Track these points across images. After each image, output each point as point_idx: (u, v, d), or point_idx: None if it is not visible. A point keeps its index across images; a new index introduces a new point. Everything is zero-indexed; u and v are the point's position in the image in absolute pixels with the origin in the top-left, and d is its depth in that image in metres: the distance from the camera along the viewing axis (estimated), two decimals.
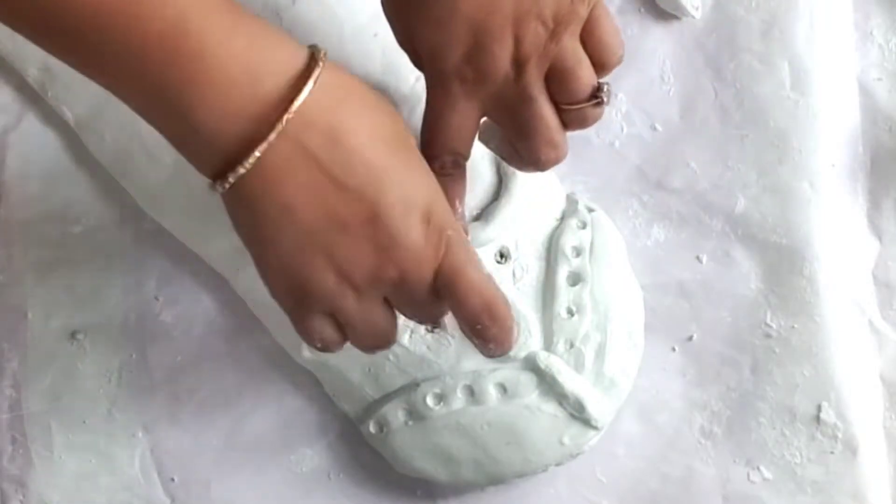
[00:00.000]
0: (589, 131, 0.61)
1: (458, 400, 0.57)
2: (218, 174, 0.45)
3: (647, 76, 0.62)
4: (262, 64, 0.44)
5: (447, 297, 0.49)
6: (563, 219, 0.60)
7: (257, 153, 0.44)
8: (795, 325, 0.60)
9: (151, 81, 0.44)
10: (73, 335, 0.61)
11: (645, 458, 0.60)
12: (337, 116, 0.45)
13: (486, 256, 0.58)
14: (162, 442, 0.61)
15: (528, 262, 0.59)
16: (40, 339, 0.61)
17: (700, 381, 0.61)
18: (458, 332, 0.57)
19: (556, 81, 0.50)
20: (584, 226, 0.59)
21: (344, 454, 0.61)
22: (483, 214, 0.59)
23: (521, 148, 0.52)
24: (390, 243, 0.46)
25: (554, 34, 0.49)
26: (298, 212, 0.46)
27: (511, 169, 0.59)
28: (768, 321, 0.60)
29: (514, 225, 0.59)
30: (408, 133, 0.48)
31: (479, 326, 0.50)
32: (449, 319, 0.51)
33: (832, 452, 0.59)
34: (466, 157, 0.53)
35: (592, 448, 0.59)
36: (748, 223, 0.61)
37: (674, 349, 0.61)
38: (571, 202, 0.60)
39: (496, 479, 0.59)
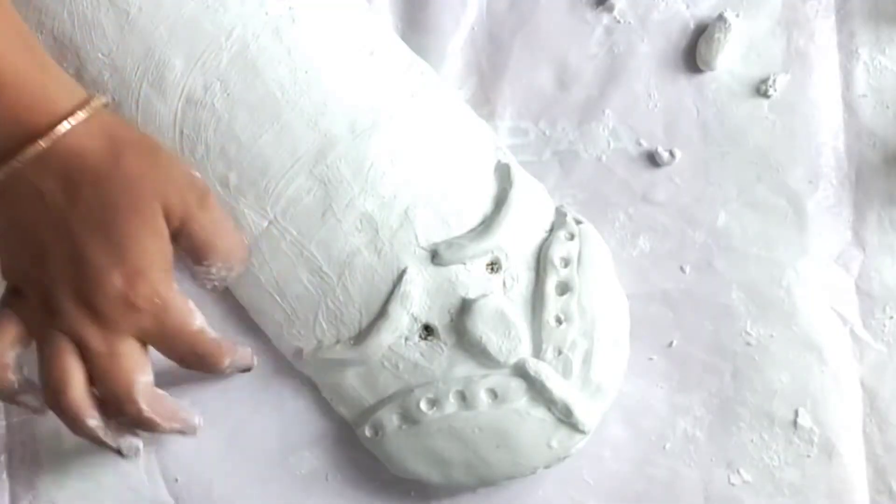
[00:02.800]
0: (577, 146, 0.63)
1: (451, 405, 0.58)
2: None
3: (633, 93, 0.63)
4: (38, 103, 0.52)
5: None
6: (552, 230, 0.60)
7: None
8: (773, 334, 0.61)
9: None
10: None
11: (630, 460, 0.61)
12: (79, 168, 0.52)
13: (478, 266, 0.59)
14: (166, 444, 0.61)
15: (519, 272, 0.59)
16: None
17: (683, 386, 0.61)
18: (450, 340, 0.59)
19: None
20: (571, 237, 0.60)
21: (341, 456, 0.62)
22: (483, 224, 0.59)
23: None
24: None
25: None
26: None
27: (512, 179, 0.60)
28: (748, 330, 0.61)
29: (508, 236, 0.59)
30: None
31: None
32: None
33: (808, 456, 0.60)
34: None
35: (579, 451, 0.59)
36: (729, 235, 0.62)
37: (658, 356, 0.61)
38: (560, 214, 0.61)
39: (487, 481, 0.59)
